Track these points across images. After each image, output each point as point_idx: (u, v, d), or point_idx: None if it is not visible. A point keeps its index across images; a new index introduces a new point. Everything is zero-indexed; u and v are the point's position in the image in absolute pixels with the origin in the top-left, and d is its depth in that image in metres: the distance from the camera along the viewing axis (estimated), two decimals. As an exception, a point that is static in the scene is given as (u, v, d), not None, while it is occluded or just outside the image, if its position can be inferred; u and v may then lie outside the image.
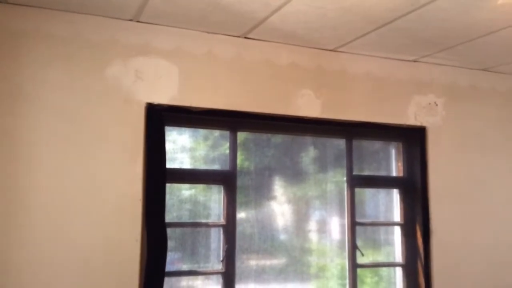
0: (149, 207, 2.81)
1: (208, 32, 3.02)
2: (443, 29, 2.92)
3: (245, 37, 3.10)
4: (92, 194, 2.69)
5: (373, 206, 3.65)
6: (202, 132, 3.22)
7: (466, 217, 3.61)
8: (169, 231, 2.88)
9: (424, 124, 3.58)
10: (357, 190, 3.50)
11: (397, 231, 3.63)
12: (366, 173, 3.59)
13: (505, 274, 3.68)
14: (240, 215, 3.18)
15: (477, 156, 3.71)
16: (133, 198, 2.77)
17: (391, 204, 3.67)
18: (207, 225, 3.12)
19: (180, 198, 3.09)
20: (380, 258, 3.58)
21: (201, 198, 3.14)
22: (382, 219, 3.65)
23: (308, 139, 3.46)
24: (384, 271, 3.59)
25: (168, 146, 2.99)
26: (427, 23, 2.83)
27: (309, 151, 3.46)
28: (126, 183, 2.76)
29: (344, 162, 3.48)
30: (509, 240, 3.73)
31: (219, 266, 3.08)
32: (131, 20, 2.84)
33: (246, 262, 3.18)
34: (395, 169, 3.70)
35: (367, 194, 3.63)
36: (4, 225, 2.53)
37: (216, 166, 3.20)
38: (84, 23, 2.76)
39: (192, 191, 3.14)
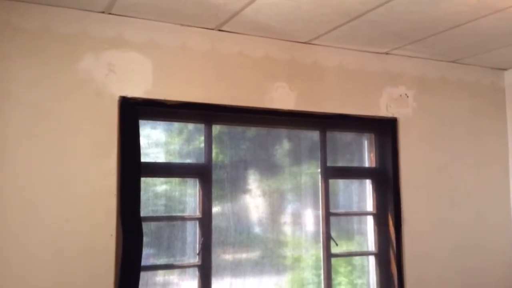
0: (124, 201, 2.78)
1: (182, 25, 3.00)
2: (413, 22, 2.98)
3: (219, 30, 3.09)
4: (66, 189, 2.65)
5: (347, 197, 3.71)
6: (176, 125, 3.20)
7: (436, 206, 3.70)
8: (144, 225, 2.86)
9: (395, 115, 3.65)
10: (331, 181, 3.55)
11: (370, 221, 3.70)
12: (339, 164, 3.64)
13: (474, 260, 3.79)
14: (216, 208, 3.19)
15: (447, 146, 3.81)
16: (108, 193, 2.74)
17: (364, 195, 3.73)
18: (182, 219, 3.12)
19: (155, 192, 3.07)
20: (354, 247, 3.65)
21: (176, 192, 3.13)
22: (355, 209, 3.71)
23: (283, 131, 3.48)
24: (357, 260, 3.65)
25: (143, 140, 2.97)
26: (397, 16, 2.88)
27: (283, 144, 3.49)
28: (100, 178, 2.73)
29: (318, 154, 3.52)
30: (477, 226, 3.85)
31: (195, 260, 3.08)
32: (103, 12, 2.80)
33: (222, 255, 3.18)
34: (368, 160, 3.76)
35: (340, 185, 3.68)
36: (-26, 222, 2.47)
37: (191, 160, 3.19)
38: (55, 15, 2.69)
39: (168, 185, 3.12)
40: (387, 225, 3.64)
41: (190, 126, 3.22)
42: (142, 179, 2.88)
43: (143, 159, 2.92)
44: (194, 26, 3.03)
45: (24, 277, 2.54)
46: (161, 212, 3.07)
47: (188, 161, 3.18)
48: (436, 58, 3.80)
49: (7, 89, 2.57)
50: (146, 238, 2.89)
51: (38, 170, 2.60)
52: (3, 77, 2.57)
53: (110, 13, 2.81)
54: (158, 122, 3.13)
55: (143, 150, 2.93)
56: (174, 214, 3.09)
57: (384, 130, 3.69)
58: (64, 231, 2.63)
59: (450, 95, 3.88)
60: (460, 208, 3.80)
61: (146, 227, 2.94)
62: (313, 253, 3.47)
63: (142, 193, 2.87)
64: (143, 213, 2.88)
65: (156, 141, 3.12)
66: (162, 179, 3.10)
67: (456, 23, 3.01)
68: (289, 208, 3.46)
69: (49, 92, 2.66)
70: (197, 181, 3.14)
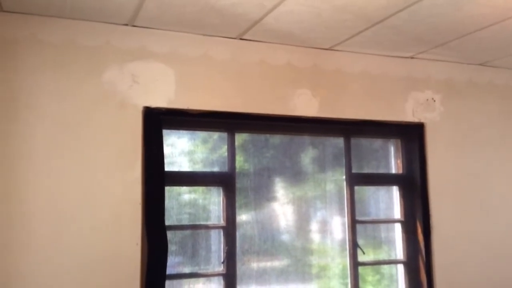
0: (148, 210, 2.81)
1: (204, 35, 3.03)
2: (437, 25, 2.92)
3: (241, 39, 3.11)
4: (92, 199, 2.70)
5: (373, 204, 3.65)
6: (201, 135, 3.21)
7: (466, 212, 3.61)
8: (169, 234, 2.88)
9: (422, 120, 3.58)
10: (357, 188, 3.50)
11: (397, 228, 3.63)
12: (365, 171, 3.59)
13: (505, 268, 3.67)
14: (240, 216, 3.19)
15: (476, 151, 3.71)
16: (133, 202, 2.77)
17: (391, 202, 3.66)
18: (207, 227, 3.13)
19: (180, 201, 3.10)
20: (381, 255, 3.58)
21: (200, 200, 3.14)
22: (382, 216, 3.65)
23: (307, 138, 3.46)
24: (385, 268, 3.59)
25: (168, 149, 3.00)
26: (420, 20, 2.83)
27: (307, 151, 3.47)
28: (125, 188, 2.77)
29: (343, 160, 3.49)
30: (509, 234, 3.73)
31: (220, 268, 3.08)
32: (126, 24, 2.85)
33: (247, 263, 3.18)
34: (395, 166, 3.70)
35: (367, 192, 3.63)
36: (4, 233, 2.54)
37: (215, 169, 3.20)
38: (79, 29, 2.76)
39: (192, 194, 3.14)
40: (415, 232, 3.56)
41: (215, 135, 3.23)
42: (166, 188, 2.91)
43: (168, 168, 2.95)
44: (216, 36, 3.05)
45: (51, 286, 2.59)
46: (185, 220, 3.09)
47: (213, 169, 3.19)
48: (463, 61, 3.71)
49: (33, 102, 2.65)
50: (171, 247, 2.91)
51: (64, 181, 2.66)
52: (29, 90, 2.65)
53: (133, 25, 2.86)
54: (183, 132, 3.16)
55: (168, 159, 2.97)
56: (198, 223, 3.11)
57: (411, 136, 3.62)
58: (90, 240, 2.67)
59: (478, 99, 3.78)
60: (491, 215, 3.68)
61: (171, 235, 2.96)
62: (339, 262, 3.43)
63: (166, 202, 2.90)
64: (168, 222, 2.91)
65: (181, 150, 3.14)
66: (186, 188, 3.12)
67: (482, 25, 2.94)
68: (314, 216, 3.43)
69: (75, 104, 2.72)
70: (221, 190, 3.15)
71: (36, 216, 2.60)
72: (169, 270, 2.88)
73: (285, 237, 3.33)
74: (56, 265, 2.60)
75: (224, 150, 3.20)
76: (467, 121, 3.72)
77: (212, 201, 3.15)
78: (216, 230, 3.13)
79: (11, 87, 2.62)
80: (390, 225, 3.65)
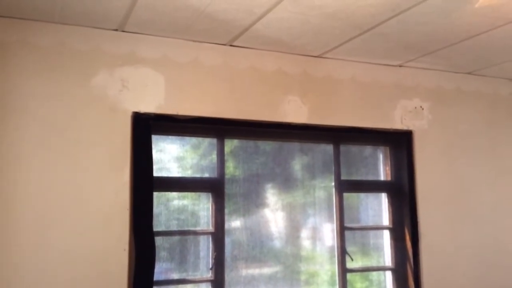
0: (137, 216, 2.80)
1: (194, 41, 3.04)
2: (425, 34, 2.96)
3: (231, 45, 3.12)
4: (80, 204, 2.68)
5: (362, 211, 3.66)
6: (192, 141, 3.21)
7: (454, 219, 3.63)
8: (158, 240, 2.87)
9: (410, 128, 3.61)
10: (346, 195, 3.51)
11: (386, 235, 3.64)
12: (354, 178, 3.61)
13: (493, 276, 3.70)
14: (229, 222, 3.18)
15: (464, 159, 3.74)
16: (121, 207, 2.76)
17: (379, 208, 3.68)
18: (195, 233, 3.12)
19: (169, 207, 3.09)
20: (370, 262, 3.59)
21: (189, 206, 3.14)
22: (371, 223, 3.66)
23: (296, 145, 3.47)
24: (374, 275, 3.59)
25: (158, 155, 3.00)
26: (409, 28, 2.86)
27: (297, 157, 3.47)
28: (113, 192, 2.76)
29: (332, 167, 3.50)
30: (497, 241, 3.76)
31: (209, 274, 3.07)
32: (116, 30, 2.85)
33: (236, 269, 3.17)
34: (383, 173, 3.72)
35: (355, 199, 3.64)
36: (-10, 237, 2.52)
37: (206, 175, 3.20)
38: (70, 33, 2.76)
39: (181, 200, 3.13)
40: (403, 239, 3.57)
41: (205, 141, 3.23)
42: (155, 194, 2.90)
43: (158, 173, 2.95)
44: (206, 42, 3.06)
45: (38, 291, 2.57)
46: (174, 226, 3.08)
47: (203, 175, 3.19)
48: (451, 70, 3.76)
49: (23, 105, 2.64)
50: (159, 253, 2.90)
51: (52, 185, 2.64)
52: (20, 93, 2.64)
53: (123, 31, 2.87)
54: (174, 138, 3.16)
55: (158, 165, 2.96)
56: (187, 229, 3.10)
57: (399, 143, 3.65)
58: (78, 245, 2.65)
59: (466, 107, 3.82)
60: (479, 222, 3.71)
61: (160, 241, 2.95)
62: (328, 268, 3.43)
63: (155, 207, 2.89)
64: (156, 227, 2.90)
65: (171, 155, 3.14)
66: (175, 194, 3.11)
67: (470, 34, 2.98)
68: (303, 222, 3.44)
69: (64, 108, 2.71)
70: (210, 196, 3.15)
71: (23, 221, 2.57)
72: (157, 276, 2.87)
73: (274, 244, 3.33)
74: (43, 271, 2.58)
75: (214, 156, 3.20)
76: (454, 129, 3.75)
77: (201, 207, 3.14)
78: (205, 236, 3.13)
79: (1, 91, 2.61)
80: (378, 232, 3.66)
